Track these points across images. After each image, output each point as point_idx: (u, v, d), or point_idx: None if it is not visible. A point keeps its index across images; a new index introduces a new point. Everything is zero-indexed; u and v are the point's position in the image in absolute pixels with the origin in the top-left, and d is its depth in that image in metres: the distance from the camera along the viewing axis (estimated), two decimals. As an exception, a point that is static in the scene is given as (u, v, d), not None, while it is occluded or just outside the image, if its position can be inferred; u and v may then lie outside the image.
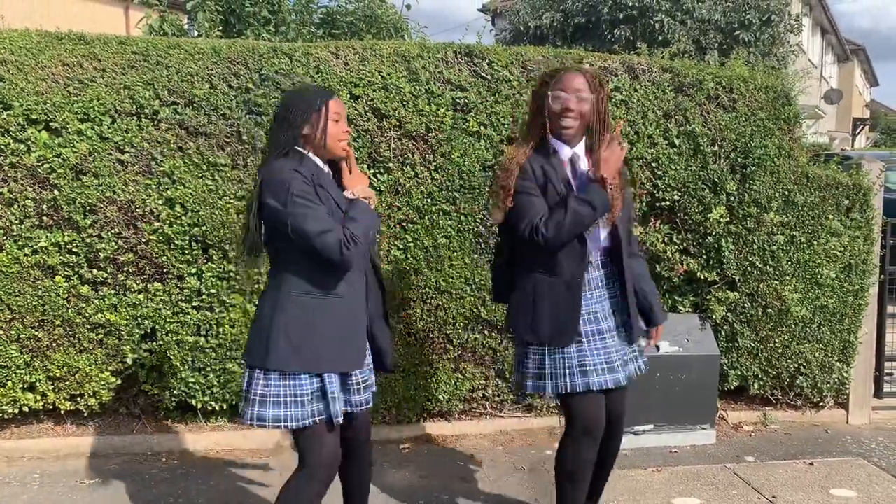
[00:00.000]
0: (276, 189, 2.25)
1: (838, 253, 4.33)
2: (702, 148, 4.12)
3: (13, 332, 3.67)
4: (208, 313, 3.77)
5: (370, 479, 2.74)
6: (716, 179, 4.13)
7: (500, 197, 2.61)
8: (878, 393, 4.75)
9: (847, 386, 4.52)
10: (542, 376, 2.65)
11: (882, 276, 4.61)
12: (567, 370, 2.61)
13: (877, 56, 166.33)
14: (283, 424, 2.31)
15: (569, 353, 2.61)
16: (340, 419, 2.36)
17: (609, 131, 2.65)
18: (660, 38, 11.65)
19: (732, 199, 4.19)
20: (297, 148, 2.36)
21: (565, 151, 2.64)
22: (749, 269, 4.24)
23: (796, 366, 4.39)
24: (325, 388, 2.33)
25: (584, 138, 2.67)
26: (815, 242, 4.30)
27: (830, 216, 4.31)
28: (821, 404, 4.55)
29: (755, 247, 4.23)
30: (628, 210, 2.75)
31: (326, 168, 2.42)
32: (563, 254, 2.58)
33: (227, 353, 3.79)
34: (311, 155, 2.38)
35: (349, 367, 2.39)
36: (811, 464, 3.86)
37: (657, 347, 2.82)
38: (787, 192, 4.24)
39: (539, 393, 2.72)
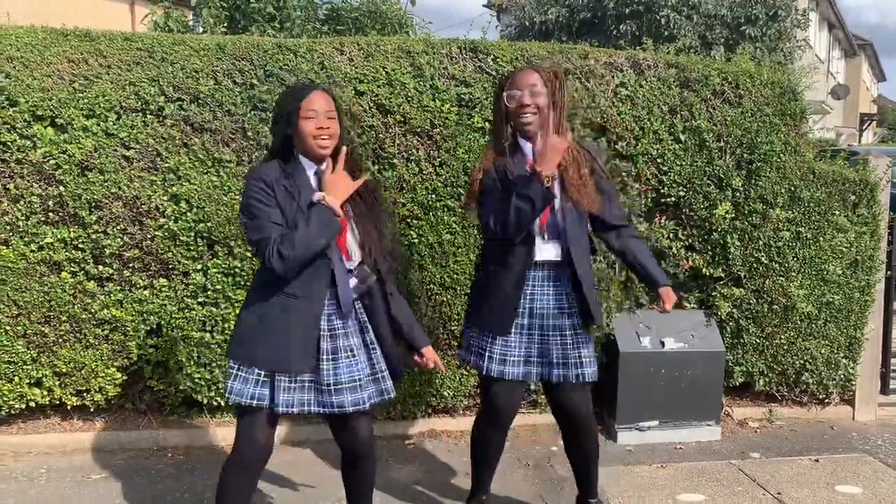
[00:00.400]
0: (243, 194, 2.38)
1: (844, 249, 4.32)
2: (707, 143, 4.10)
3: (20, 328, 3.68)
4: (214, 309, 3.78)
5: (371, 488, 2.71)
6: (721, 175, 4.12)
7: (469, 199, 2.79)
8: (885, 389, 4.74)
9: (853, 382, 4.51)
10: (477, 354, 2.83)
11: (888, 273, 4.60)
12: (489, 354, 2.76)
13: (884, 51, 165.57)
14: (227, 396, 2.42)
15: (494, 339, 2.76)
16: (280, 411, 2.38)
17: (566, 122, 2.73)
18: (665, 33, 11.61)
19: (738, 194, 4.17)
20: (289, 149, 2.40)
21: (528, 148, 2.72)
22: (755, 265, 4.23)
23: (802, 362, 4.38)
24: (272, 380, 2.39)
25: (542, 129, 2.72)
26: (822, 238, 4.28)
27: (837, 212, 4.30)
28: (826, 401, 4.54)
29: (761, 243, 4.22)
30: (610, 206, 2.83)
31: (317, 167, 2.40)
32: (510, 249, 2.69)
33: (233, 349, 3.80)
34: (300, 156, 2.40)
35: (284, 367, 2.36)
36: (817, 460, 3.85)
37: (665, 311, 2.84)
38: (793, 188, 4.22)
39: (475, 369, 2.88)
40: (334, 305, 2.42)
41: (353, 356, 2.45)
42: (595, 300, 2.82)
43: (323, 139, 2.35)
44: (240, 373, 2.40)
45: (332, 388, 2.40)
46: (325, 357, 2.41)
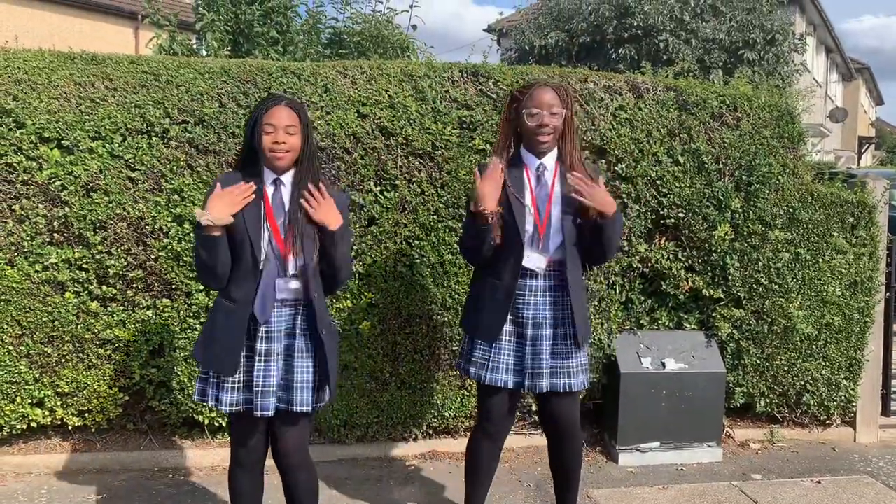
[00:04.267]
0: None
1: (843, 270, 4.34)
2: (706, 166, 4.14)
3: (23, 348, 3.70)
4: (216, 329, 3.78)
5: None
6: (720, 197, 4.15)
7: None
8: (886, 411, 4.74)
9: (854, 404, 4.51)
10: (467, 360, 2.90)
11: (888, 294, 4.62)
12: (481, 362, 2.83)
13: (882, 75, 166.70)
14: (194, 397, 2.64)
15: (486, 347, 2.82)
16: (223, 410, 2.53)
17: (578, 141, 2.84)
18: (664, 57, 11.71)
19: (737, 216, 4.21)
20: (255, 158, 2.52)
21: (532, 162, 2.78)
22: (754, 286, 4.25)
23: (802, 383, 4.38)
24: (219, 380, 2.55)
25: (554, 149, 2.80)
26: (821, 260, 4.31)
27: (835, 233, 4.33)
28: (828, 422, 4.53)
29: (760, 264, 4.24)
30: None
31: (276, 177, 2.51)
32: (502, 262, 2.78)
33: (235, 370, 3.81)
34: (263, 166, 2.52)
35: (216, 368, 2.52)
36: (818, 482, 3.85)
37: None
38: (791, 210, 4.26)
39: (464, 374, 2.97)
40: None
41: (269, 361, 2.54)
42: (584, 314, 2.85)
43: (277, 153, 2.44)
44: (203, 375, 2.60)
45: (260, 390, 2.52)
46: (258, 358, 2.53)
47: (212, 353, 2.52)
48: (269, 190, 2.53)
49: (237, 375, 2.53)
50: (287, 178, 2.53)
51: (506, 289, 2.78)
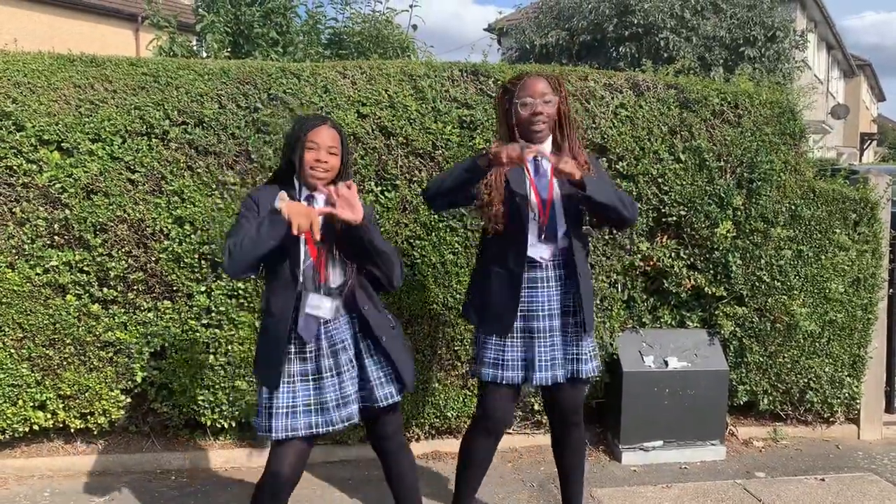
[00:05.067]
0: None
1: (846, 267, 4.33)
2: (707, 163, 4.13)
3: (24, 351, 3.70)
4: (217, 331, 3.79)
5: (410, 485, 2.87)
6: (722, 194, 4.14)
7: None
8: (890, 408, 4.72)
9: (858, 401, 4.50)
10: (483, 363, 2.84)
11: (891, 290, 4.60)
12: (493, 361, 2.80)
13: (883, 71, 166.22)
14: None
15: (498, 345, 2.80)
16: (278, 435, 2.50)
17: (575, 129, 2.84)
18: (665, 54, 11.70)
19: (739, 213, 4.19)
20: (290, 173, 2.57)
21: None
22: (757, 283, 4.24)
23: (806, 381, 4.37)
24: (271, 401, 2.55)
25: (549, 137, 2.80)
26: (823, 257, 4.29)
27: (838, 230, 4.31)
28: (831, 420, 4.52)
29: (763, 261, 4.23)
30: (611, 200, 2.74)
31: (310, 193, 2.55)
32: (507, 252, 2.76)
33: (236, 371, 3.81)
34: (298, 182, 2.57)
35: (264, 381, 2.55)
36: (823, 480, 3.83)
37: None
38: (793, 207, 4.24)
39: (482, 378, 2.88)
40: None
41: (305, 381, 2.57)
42: (591, 301, 2.86)
43: (318, 171, 2.51)
44: (262, 401, 2.58)
45: (340, 402, 2.57)
46: (327, 374, 2.57)
47: (260, 368, 2.59)
48: None
49: (308, 398, 2.55)
50: (320, 196, 2.55)
51: (513, 277, 2.76)
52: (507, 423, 2.95)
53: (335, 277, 2.56)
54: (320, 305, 2.53)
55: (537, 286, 2.80)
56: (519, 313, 2.79)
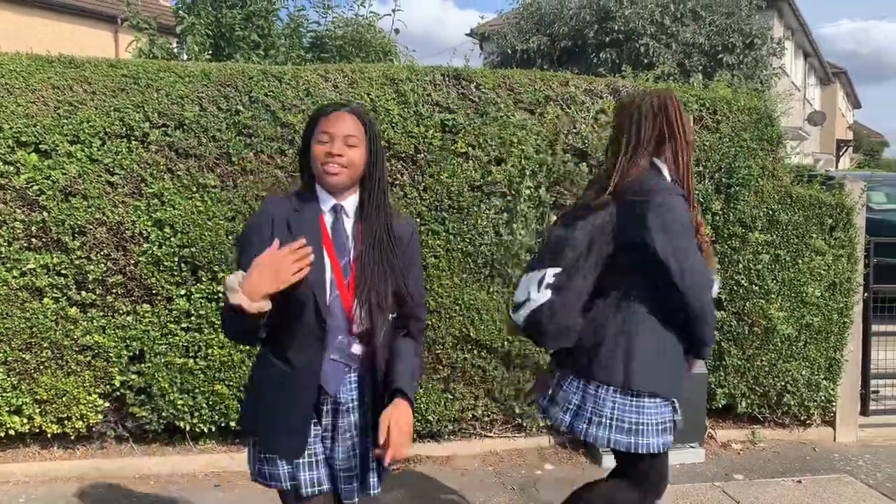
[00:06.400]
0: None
1: (823, 271, 4.39)
2: (687, 168, 4.16)
3: (0, 355, 3.65)
4: (197, 335, 3.76)
5: None
6: (701, 199, 4.18)
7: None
8: (865, 410, 4.79)
9: (834, 404, 4.55)
10: (621, 429, 2.42)
11: (866, 294, 4.67)
12: (659, 427, 2.48)
13: (859, 79, 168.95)
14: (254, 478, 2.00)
15: (665, 409, 2.49)
16: (304, 492, 1.91)
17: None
18: (645, 61, 11.78)
19: (717, 218, 4.24)
20: (310, 176, 1.96)
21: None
22: (735, 287, 4.29)
23: (783, 384, 4.42)
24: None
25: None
26: (800, 261, 4.35)
27: (814, 235, 4.37)
28: (808, 422, 4.57)
29: (741, 266, 4.27)
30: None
31: (336, 203, 1.92)
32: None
33: (216, 375, 3.78)
34: (318, 187, 1.94)
35: (271, 450, 1.91)
36: (799, 481, 3.88)
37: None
38: (771, 212, 4.29)
39: (601, 445, 2.45)
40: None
41: (335, 438, 1.96)
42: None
43: (331, 166, 1.87)
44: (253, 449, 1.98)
45: (344, 475, 1.97)
46: (342, 436, 1.96)
47: (267, 429, 1.91)
48: (328, 220, 1.92)
49: (315, 448, 1.94)
50: (349, 204, 1.94)
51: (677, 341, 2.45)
52: None
53: (362, 317, 1.91)
54: (348, 352, 1.92)
55: None
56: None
